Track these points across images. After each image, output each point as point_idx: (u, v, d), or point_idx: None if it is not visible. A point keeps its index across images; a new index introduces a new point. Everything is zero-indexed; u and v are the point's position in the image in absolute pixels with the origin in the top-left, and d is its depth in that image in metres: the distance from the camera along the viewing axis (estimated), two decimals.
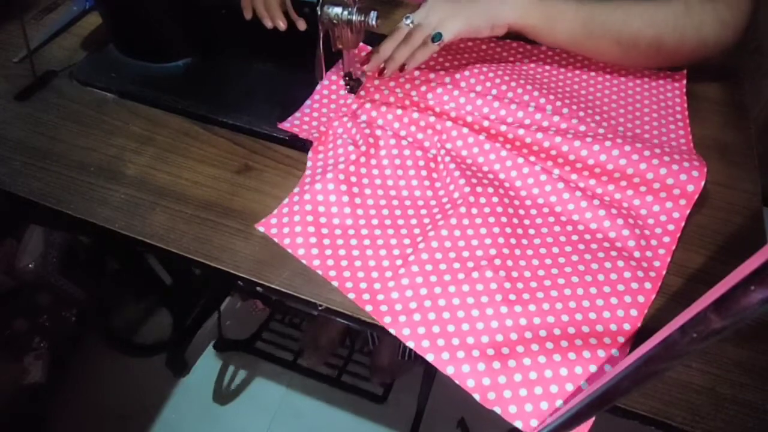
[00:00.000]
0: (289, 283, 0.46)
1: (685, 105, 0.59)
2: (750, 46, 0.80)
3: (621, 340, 0.41)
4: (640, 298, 0.44)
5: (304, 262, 0.47)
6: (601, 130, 0.53)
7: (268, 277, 0.47)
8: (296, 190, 0.52)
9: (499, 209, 0.49)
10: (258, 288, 0.47)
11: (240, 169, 0.55)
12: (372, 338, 1.14)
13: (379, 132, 0.55)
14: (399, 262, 0.47)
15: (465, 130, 0.55)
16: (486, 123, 0.55)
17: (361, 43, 0.61)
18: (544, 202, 0.51)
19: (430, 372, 0.95)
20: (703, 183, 0.48)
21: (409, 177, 0.53)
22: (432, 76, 0.60)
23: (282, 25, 0.56)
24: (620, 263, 0.46)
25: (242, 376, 1.24)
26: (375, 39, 0.58)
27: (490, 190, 0.51)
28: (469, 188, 0.50)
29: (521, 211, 0.50)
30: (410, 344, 0.42)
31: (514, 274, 0.46)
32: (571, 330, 0.42)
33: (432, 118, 0.56)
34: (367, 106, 0.57)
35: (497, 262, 0.46)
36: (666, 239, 0.48)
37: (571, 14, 0.55)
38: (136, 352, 1.24)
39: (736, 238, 0.49)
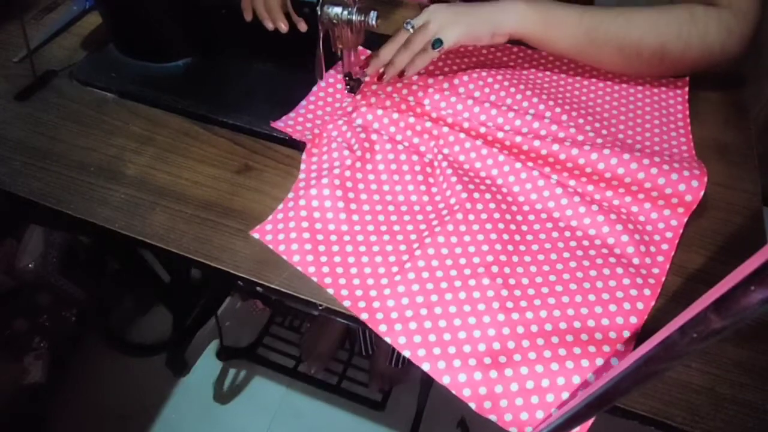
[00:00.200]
0: (288, 283, 0.46)
1: (687, 113, 0.58)
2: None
3: (620, 347, 0.41)
4: (639, 305, 0.43)
5: (299, 268, 0.46)
6: (599, 140, 0.52)
7: (268, 277, 0.47)
8: (291, 195, 0.52)
9: (496, 215, 0.49)
10: (258, 288, 0.47)
11: (240, 169, 0.55)
12: (370, 342, 1.14)
13: (374, 136, 0.55)
14: (395, 268, 0.46)
15: (462, 135, 0.54)
16: (483, 129, 0.54)
17: (360, 47, 0.61)
18: (542, 207, 0.51)
19: None
20: (702, 193, 0.47)
21: (405, 182, 0.53)
22: (430, 81, 0.60)
23: (284, 27, 0.56)
24: (619, 270, 0.45)
25: (242, 376, 1.24)
26: (375, 39, 0.58)
27: (488, 195, 0.50)
28: (466, 194, 0.50)
29: (519, 217, 0.50)
30: (406, 353, 0.42)
31: (512, 281, 0.45)
32: (569, 338, 0.41)
33: (428, 123, 0.55)
34: (363, 109, 0.57)
35: (494, 269, 0.45)
36: (664, 246, 0.47)
37: (573, 22, 0.55)
38: (136, 352, 1.24)
39: (736, 238, 0.49)
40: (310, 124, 0.58)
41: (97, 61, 0.66)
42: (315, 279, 0.46)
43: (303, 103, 0.60)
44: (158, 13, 0.61)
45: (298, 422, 1.17)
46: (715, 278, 0.22)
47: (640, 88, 0.61)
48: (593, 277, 0.45)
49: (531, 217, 0.50)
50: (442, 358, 0.41)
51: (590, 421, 0.38)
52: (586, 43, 0.56)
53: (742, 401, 0.39)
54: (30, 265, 0.98)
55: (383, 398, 1.12)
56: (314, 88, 0.61)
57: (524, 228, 0.49)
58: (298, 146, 0.57)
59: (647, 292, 0.44)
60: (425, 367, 0.41)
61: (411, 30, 0.55)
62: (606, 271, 0.45)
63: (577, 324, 0.42)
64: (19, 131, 0.59)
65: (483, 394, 0.40)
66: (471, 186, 0.51)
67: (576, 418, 0.33)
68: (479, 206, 0.49)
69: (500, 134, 0.53)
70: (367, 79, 0.60)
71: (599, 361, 0.40)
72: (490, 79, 0.60)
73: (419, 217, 0.50)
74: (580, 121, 0.56)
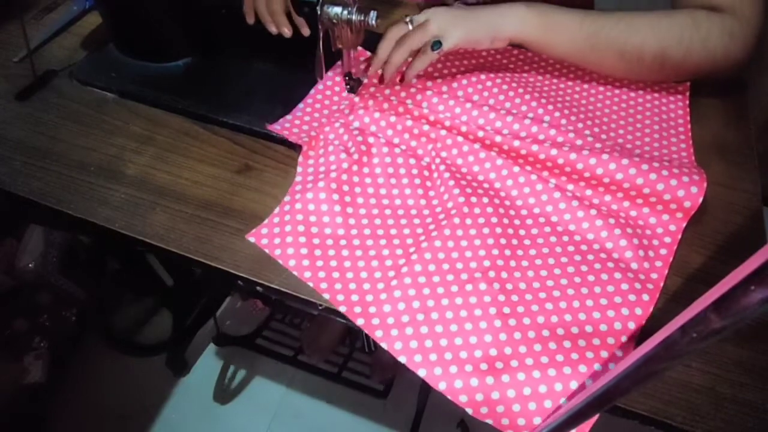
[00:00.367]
0: (288, 282, 0.46)
1: (688, 118, 0.58)
2: None
3: (618, 353, 0.41)
4: (638, 311, 0.43)
5: (295, 273, 0.46)
6: (598, 144, 0.52)
7: (268, 277, 0.47)
8: (287, 198, 0.51)
9: (494, 219, 0.49)
10: (258, 288, 0.47)
11: (240, 169, 0.55)
12: (369, 340, 1.14)
13: (371, 139, 0.54)
14: (391, 273, 0.46)
15: (460, 138, 0.54)
16: (481, 133, 0.54)
17: (360, 48, 0.61)
18: (540, 211, 0.50)
19: None
20: (701, 199, 0.47)
21: (402, 186, 0.52)
22: (429, 84, 0.59)
23: (287, 32, 0.57)
24: (617, 275, 0.45)
25: (242, 375, 1.24)
26: (375, 39, 0.58)
27: (485, 200, 0.50)
28: (464, 198, 0.49)
29: (516, 221, 0.50)
30: (402, 359, 0.42)
31: (509, 286, 0.45)
32: (567, 344, 0.41)
33: (426, 127, 0.55)
34: (361, 112, 0.56)
35: (491, 274, 0.45)
36: (663, 251, 0.47)
37: (574, 27, 0.54)
38: (136, 352, 1.24)
39: (736, 238, 0.49)
40: (306, 126, 0.57)
41: (97, 61, 0.66)
42: (311, 284, 0.45)
43: (300, 105, 0.60)
44: (158, 13, 0.61)
45: (298, 422, 1.17)
46: (715, 278, 0.22)
47: (640, 92, 0.61)
48: (591, 282, 0.45)
49: (529, 222, 0.50)
50: (438, 364, 0.41)
51: (593, 419, 0.38)
52: (586, 48, 0.55)
53: (742, 401, 0.39)
54: (30, 265, 0.98)
55: (385, 388, 1.12)
56: (312, 91, 0.61)
57: (522, 232, 0.49)
58: (299, 146, 0.56)
59: (645, 297, 0.44)
60: (421, 373, 0.41)
61: (410, 25, 0.55)
62: (604, 276, 0.45)
63: (574, 329, 0.42)
64: (19, 131, 0.59)
65: (480, 401, 0.40)
66: (468, 190, 0.50)
67: (576, 417, 0.33)
68: (476, 210, 0.49)
69: (498, 138, 0.53)
70: (366, 79, 0.60)
71: (597, 367, 0.40)
72: (489, 83, 0.60)
73: (416, 221, 0.50)
74: (579, 125, 0.55)
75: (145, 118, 0.60)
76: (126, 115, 0.61)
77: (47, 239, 1.01)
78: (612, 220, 0.48)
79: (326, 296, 0.45)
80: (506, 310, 0.43)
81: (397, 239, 0.49)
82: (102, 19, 0.67)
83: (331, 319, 0.45)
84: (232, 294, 1.34)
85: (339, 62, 0.62)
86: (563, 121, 0.55)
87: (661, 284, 0.45)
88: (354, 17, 0.52)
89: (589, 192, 0.51)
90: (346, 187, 0.51)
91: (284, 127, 0.57)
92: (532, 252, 0.48)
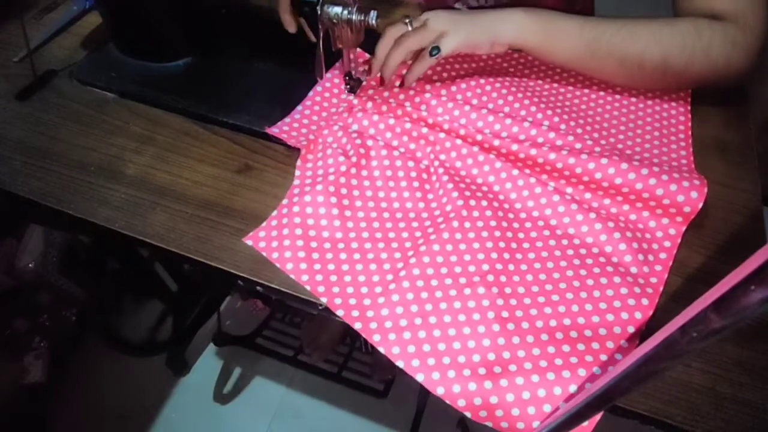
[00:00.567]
0: (289, 282, 0.46)
1: (689, 124, 0.58)
2: None
3: (618, 357, 0.41)
4: (637, 315, 0.43)
5: (292, 276, 0.46)
6: (597, 149, 0.52)
7: (268, 277, 0.47)
8: (285, 201, 0.51)
9: (493, 223, 0.48)
10: (258, 287, 0.47)
11: (240, 169, 0.55)
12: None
13: (370, 142, 0.54)
14: (389, 277, 0.46)
15: (458, 141, 0.53)
16: (479, 137, 0.53)
17: (359, 50, 0.61)
18: (539, 215, 0.50)
19: None
20: (701, 204, 0.47)
21: (400, 189, 0.52)
22: (428, 87, 0.59)
23: (292, 29, 0.58)
24: (616, 279, 0.45)
25: (243, 375, 1.24)
26: (375, 38, 0.58)
27: (484, 203, 0.50)
28: (462, 201, 0.49)
29: (515, 225, 0.49)
30: (400, 363, 0.41)
31: (507, 290, 0.45)
32: (566, 348, 0.41)
33: (425, 129, 0.54)
34: (359, 114, 0.56)
35: (490, 278, 0.45)
36: (662, 255, 0.47)
37: (574, 34, 0.54)
38: (136, 352, 1.24)
39: (736, 238, 0.49)
40: (305, 129, 0.57)
41: (97, 60, 0.66)
42: (308, 287, 0.45)
43: (299, 108, 0.59)
44: (158, 13, 0.61)
45: (298, 422, 1.17)
46: (715, 278, 0.22)
47: (641, 97, 0.60)
48: (590, 286, 0.45)
49: (528, 225, 0.50)
50: (436, 368, 0.41)
51: (597, 418, 0.38)
52: (586, 55, 0.55)
53: (742, 400, 0.39)
54: (30, 265, 0.98)
55: (386, 387, 1.12)
56: (311, 93, 0.61)
57: (521, 236, 0.49)
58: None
59: (645, 301, 0.44)
60: (419, 378, 0.41)
61: (409, 26, 0.54)
62: (603, 280, 0.45)
63: (573, 333, 0.42)
64: (19, 131, 0.59)
65: (478, 405, 0.40)
66: (467, 193, 0.50)
67: (576, 417, 0.33)
68: (475, 213, 0.49)
69: (497, 142, 0.53)
70: (366, 79, 0.60)
71: (596, 370, 0.40)
72: (488, 87, 0.59)
73: (414, 224, 0.50)
74: (579, 130, 0.55)
75: (145, 118, 0.60)
76: (126, 115, 0.61)
77: (47, 239, 1.01)
78: (611, 224, 0.48)
79: (323, 300, 0.45)
80: (504, 314, 0.43)
81: (395, 243, 0.48)
82: (102, 19, 0.67)
83: (331, 319, 0.45)
84: (232, 294, 1.34)
85: (339, 62, 0.62)
86: (562, 126, 0.55)
87: (661, 288, 0.45)
88: (354, 17, 0.52)
89: (588, 195, 0.51)
90: (344, 190, 0.51)
91: (282, 130, 0.56)
92: (531, 256, 0.47)
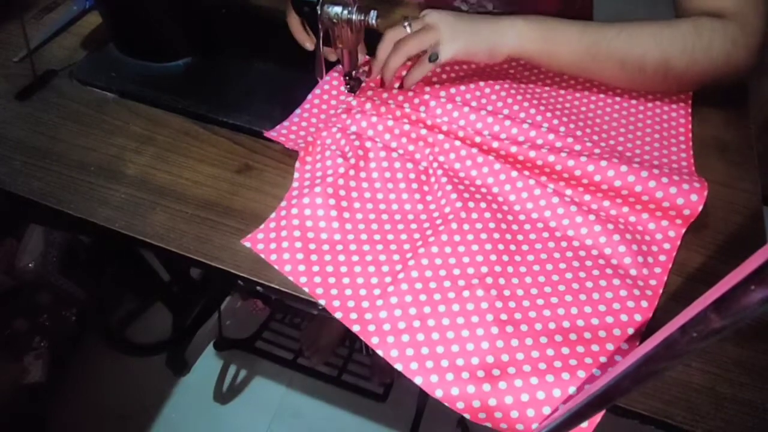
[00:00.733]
0: (288, 282, 0.46)
1: (690, 126, 0.57)
2: None
3: (618, 359, 0.41)
4: (637, 317, 0.43)
5: (290, 278, 0.46)
6: (597, 151, 0.51)
7: (268, 277, 0.47)
8: (283, 204, 0.51)
9: (492, 225, 0.48)
10: (258, 287, 0.47)
11: (240, 169, 0.55)
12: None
13: (369, 144, 0.54)
14: (388, 279, 0.46)
15: (457, 143, 0.53)
16: (478, 139, 0.53)
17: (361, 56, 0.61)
18: (539, 216, 0.50)
19: None
20: (701, 207, 0.47)
21: (399, 190, 0.52)
22: (427, 89, 0.59)
23: (310, 46, 0.59)
24: (616, 281, 0.45)
25: (243, 375, 1.24)
26: (375, 38, 0.58)
27: (483, 204, 0.50)
28: (461, 203, 0.49)
29: (514, 227, 0.49)
30: (398, 366, 0.41)
31: (506, 292, 0.44)
32: (565, 350, 0.41)
33: (424, 131, 0.54)
34: (358, 116, 0.56)
35: (489, 280, 0.45)
36: (662, 258, 0.47)
37: (574, 40, 0.53)
38: (136, 352, 1.24)
39: (736, 237, 0.49)
40: (303, 132, 0.57)
41: (97, 60, 0.66)
42: (306, 290, 0.45)
43: (297, 111, 0.59)
44: (158, 13, 0.61)
45: (298, 422, 1.17)
46: (715, 278, 0.22)
47: (641, 99, 0.60)
48: (589, 288, 0.45)
49: (527, 227, 0.50)
50: (434, 371, 0.41)
51: (598, 418, 0.38)
52: (587, 61, 0.54)
53: (742, 400, 0.39)
54: (30, 265, 0.98)
55: (385, 391, 1.12)
56: (309, 96, 0.61)
57: (520, 237, 0.49)
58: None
59: (644, 303, 0.43)
60: (417, 380, 0.41)
61: (408, 29, 0.54)
62: (603, 282, 0.45)
63: (572, 336, 0.42)
64: (19, 131, 0.59)
65: (477, 407, 0.39)
66: (466, 195, 0.50)
67: (576, 417, 0.33)
68: (474, 215, 0.49)
69: (496, 144, 0.52)
70: (366, 80, 0.60)
71: (596, 372, 0.40)
72: (487, 89, 0.59)
73: (413, 226, 0.50)
74: (578, 133, 0.55)
75: (145, 118, 0.60)
76: (126, 115, 0.61)
77: (47, 239, 1.01)
78: (611, 226, 0.48)
79: (322, 302, 0.45)
80: (503, 316, 0.43)
81: (394, 245, 0.48)
82: (102, 18, 0.67)
83: (331, 320, 0.45)
84: (232, 294, 1.34)
85: (339, 62, 0.62)
86: (562, 128, 0.55)
87: (660, 291, 0.45)
88: (354, 17, 0.52)
89: (587, 197, 0.51)
90: (342, 192, 0.51)
91: (281, 133, 0.56)
92: (530, 258, 0.47)
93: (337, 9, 0.52)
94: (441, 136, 0.54)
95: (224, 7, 0.68)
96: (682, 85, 0.58)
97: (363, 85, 0.60)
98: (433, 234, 0.48)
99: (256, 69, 0.64)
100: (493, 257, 0.46)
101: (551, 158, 0.50)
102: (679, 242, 0.48)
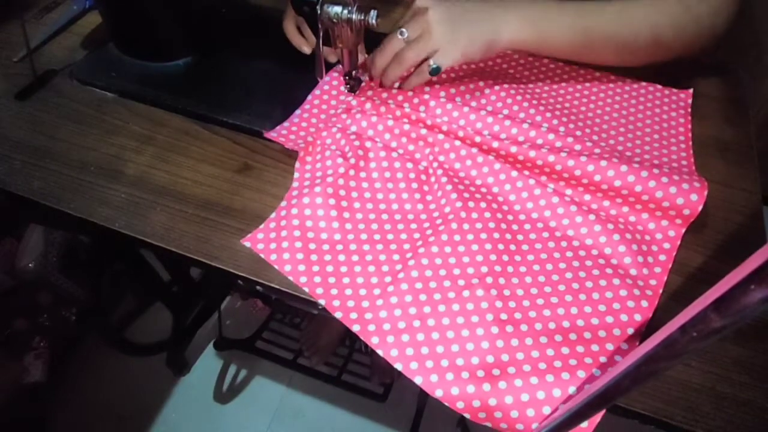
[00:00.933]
0: (289, 282, 0.46)
1: (689, 126, 0.58)
2: (747, 40, 0.80)
3: (618, 359, 0.41)
4: (637, 317, 0.43)
5: (290, 278, 0.46)
6: (597, 150, 0.51)
7: (268, 276, 0.47)
8: (283, 204, 0.51)
9: (492, 225, 0.48)
10: (258, 287, 0.47)
11: (240, 169, 0.55)
12: None
13: (369, 144, 0.54)
14: (388, 279, 0.46)
15: (457, 143, 0.53)
16: (478, 138, 0.53)
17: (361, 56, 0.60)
18: (538, 216, 0.50)
19: None
20: (701, 207, 0.47)
21: (399, 190, 0.52)
22: (427, 89, 0.59)
23: (307, 49, 0.59)
24: (616, 281, 0.45)
25: (243, 375, 1.24)
26: (375, 38, 0.58)
27: (483, 204, 0.50)
28: (461, 203, 0.49)
29: (514, 227, 0.49)
30: (398, 366, 0.41)
31: (506, 292, 0.44)
32: (565, 350, 0.41)
33: (424, 131, 0.54)
34: (358, 116, 0.56)
35: (489, 280, 0.45)
36: (662, 258, 0.47)
37: (567, 29, 0.54)
38: (136, 352, 1.24)
39: (736, 237, 0.49)
40: (303, 132, 0.57)
41: (97, 60, 0.66)
42: (306, 290, 0.45)
43: (297, 111, 0.59)
44: (158, 13, 0.61)
45: (298, 421, 1.17)
46: (715, 277, 0.22)
47: (641, 99, 0.60)
48: (589, 288, 0.45)
49: (527, 227, 0.50)
50: (434, 371, 0.41)
51: (597, 418, 0.38)
52: (580, 47, 0.56)
53: (742, 400, 0.39)
54: (30, 265, 0.98)
55: (385, 391, 1.12)
56: (309, 96, 0.61)
57: (520, 237, 0.49)
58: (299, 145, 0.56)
59: (644, 303, 0.43)
60: (417, 380, 0.41)
61: (404, 38, 0.53)
62: (602, 283, 0.45)
63: (572, 336, 0.42)
64: (19, 130, 0.59)
65: (477, 407, 0.39)
66: (466, 195, 0.50)
67: (576, 417, 0.33)
68: (474, 215, 0.49)
69: (496, 143, 0.52)
70: (365, 80, 0.60)
71: (596, 372, 0.40)
72: (487, 90, 0.59)
73: (413, 226, 0.50)
74: (578, 132, 0.55)
75: (145, 118, 0.60)
76: (126, 115, 0.61)
77: (47, 239, 1.01)
78: (611, 226, 0.48)
79: (321, 302, 0.45)
80: (503, 316, 0.43)
81: (394, 244, 0.48)
82: (102, 18, 0.67)
83: (331, 319, 0.45)
84: (232, 294, 1.34)
85: (339, 62, 0.62)
86: (561, 128, 0.55)
87: (660, 291, 0.45)
88: (354, 16, 0.52)
89: (587, 197, 0.51)
90: (342, 192, 0.51)
91: (281, 134, 0.56)
92: (530, 258, 0.47)
93: (337, 9, 0.52)
94: (441, 136, 0.54)
95: (224, 7, 0.68)
96: (669, 58, 0.59)
97: (363, 85, 0.60)
98: (433, 234, 0.48)
99: (257, 69, 0.64)
100: (493, 257, 0.46)
101: (551, 158, 0.50)
102: (679, 242, 0.48)
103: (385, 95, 0.58)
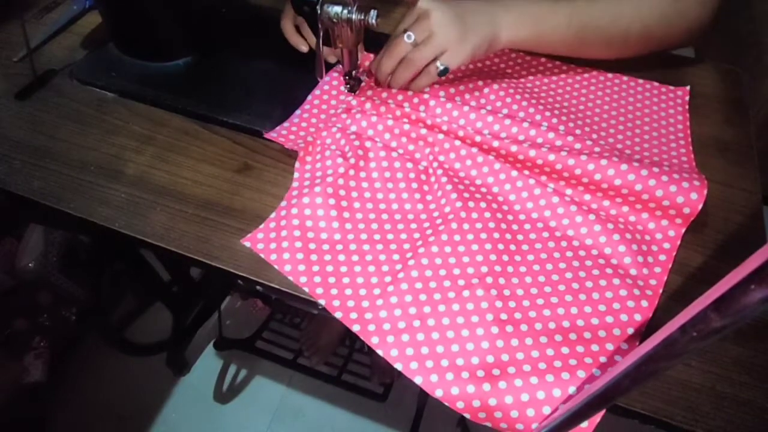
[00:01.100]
0: (288, 282, 0.46)
1: (688, 123, 0.58)
2: (748, 40, 0.80)
3: (618, 359, 0.41)
4: (637, 317, 0.43)
5: (290, 278, 0.46)
6: (597, 149, 0.52)
7: (268, 276, 0.47)
8: (283, 204, 0.51)
9: (492, 224, 0.48)
10: (258, 287, 0.47)
11: (240, 168, 0.55)
12: None
13: (369, 143, 0.54)
14: (388, 279, 0.46)
15: (457, 142, 0.53)
16: (478, 138, 0.53)
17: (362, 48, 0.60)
18: (538, 216, 0.50)
19: None
20: (701, 206, 0.47)
21: (399, 190, 0.52)
22: (426, 89, 0.59)
23: (304, 48, 0.60)
24: (616, 281, 0.45)
25: (243, 374, 1.24)
26: (375, 38, 0.58)
27: (483, 204, 0.50)
28: (461, 203, 0.49)
29: (514, 226, 0.49)
30: (398, 366, 0.41)
31: (506, 292, 0.44)
32: (565, 350, 0.41)
33: (424, 131, 0.54)
34: (358, 116, 0.56)
35: (489, 279, 0.45)
36: (662, 257, 0.47)
37: (563, 27, 0.55)
38: (136, 352, 1.24)
39: (736, 237, 0.49)
40: (303, 132, 0.57)
41: (97, 60, 0.66)
42: (306, 290, 0.45)
43: (297, 112, 0.59)
44: (158, 13, 0.61)
45: (298, 421, 1.17)
46: (715, 277, 0.22)
47: (639, 97, 0.61)
48: (589, 288, 0.45)
49: (527, 227, 0.50)
50: (434, 371, 0.41)
51: (597, 418, 0.38)
52: (575, 44, 0.58)
53: (742, 400, 0.39)
54: (30, 264, 0.98)
55: (385, 390, 1.12)
56: (309, 96, 0.61)
57: (520, 237, 0.49)
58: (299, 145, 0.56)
59: (644, 303, 0.43)
60: (417, 380, 0.41)
61: (411, 41, 0.52)
62: (602, 283, 0.45)
63: (572, 336, 0.42)
64: (19, 130, 0.59)
65: (477, 407, 0.39)
66: (466, 194, 0.50)
67: (576, 417, 0.33)
68: (474, 215, 0.49)
69: (496, 143, 0.52)
70: (365, 79, 0.60)
71: (596, 372, 0.40)
72: (486, 89, 0.59)
73: (413, 226, 0.50)
74: (577, 131, 0.55)
75: (145, 118, 0.60)
76: (126, 115, 0.61)
77: (47, 239, 1.01)
78: (611, 226, 0.48)
79: (321, 302, 0.45)
80: (503, 316, 0.43)
81: (394, 244, 0.48)
82: (102, 18, 0.67)
83: (331, 319, 0.45)
84: (232, 294, 1.34)
85: (339, 62, 0.62)
86: (561, 127, 0.55)
87: (660, 291, 0.45)
88: (354, 16, 0.52)
89: (587, 197, 0.51)
90: (342, 192, 0.51)
91: (281, 134, 0.56)
92: (530, 258, 0.47)
93: (337, 8, 0.52)
94: (441, 136, 0.54)
95: (224, 7, 0.68)
96: (659, 49, 0.60)
97: (363, 85, 0.60)
98: (433, 234, 0.48)
99: (256, 69, 0.64)
100: (493, 257, 0.46)
101: (551, 157, 0.50)
102: (679, 242, 0.48)
103: (385, 95, 0.58)
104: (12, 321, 1.05)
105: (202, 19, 0.66)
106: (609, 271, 0.46)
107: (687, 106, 0.60)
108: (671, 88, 0.61)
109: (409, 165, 0.53)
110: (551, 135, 0.53)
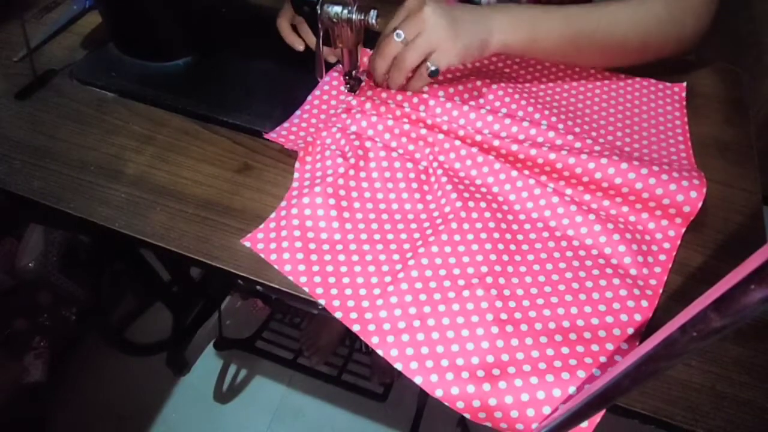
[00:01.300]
0: (289, 281, 0.46)
1: (686, 119, 0.58)
2: (747, 40, 0.80)
3: (618, 359, 0.41)
4: (637, 317, 0.43)
5: (290, 278, 0.46)
6: (597, 147, 0.52)
7: (268, 276, 0.47)
8: (283, 204, 0.51)
9: (492, 224, 0.48)
10: (258, 287, 0.47)
11: (240, 168, 0.55)
12: None
13: (369, 143, 0.54)
14: (388, 279, 0.46)
15: (457, 142, 0.53)
16: (478, 137, 0.53)
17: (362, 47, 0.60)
18: (538, 216, 0.50)
19: None
20: (700, 204, 0.47)
21: (399, 190, 0.52)
22: (426, 88, 0.59)
23: (300, 47, 0.60)
24: (616, 281, 0.45)
25: (243, 374, 1.24)
26: (375, 38, 0.58)
27: (483, 204, 0.50)
28: (461, 203, 0.49)
29: (514, 226, 0.49)
30: (398, 366, 0.41)
31: (506, 292, 0.44)
32: (565, 350, 0.41)
33: (423, 131, 0.54)
34: (358, 116, 0.56)
35: (489, 279, 0.45)
36: (662, 257, 0.47)
37: (557, 34, 0.55)
38: (136, 352, 1.24)
39: (736, 237, 0.49)
40: (303, 132, 0.57)
41: (97, 60, 0.66)
42: (306, 289, 0.45)
43: (297, 112, 0.59)
44: (158, 13, 0.61)
45: (298, 421, 1.17)
46: (715, 277, 0.22)
47: (637, 95, 0.61)
48: (589, 288, 0.45)
49: (527, 226, 0.50)
50: (434, 371, 0.41)
51: (597, 418, 0.38)
52: (571, 51, 0.57)
53: (742, 400, 0.39)
54: (30, 264, 0.98)
55: (385, 390, 1.12)
56: (309, 97, 0.61)
57: (520, 237, 0.49)
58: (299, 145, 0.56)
59: (644, 303, 0.43)
60: (418, 380, 0.41)
61: (400, 40, 0.52)
62: (602, 282, 0.45)
63: (572, 336, 0.42)
64: (19, 130, 0.59)
65: (477, 407, 0.39)
66: (466, 194, 0.50)
67: (576, 416, 0.33)
68: (474, 215, 0.49)
69: (496, 142, 0.52)
70: (365, 79, 0.60)
71: (596, 372, 0.40)
72: (485, 89, 0.59)
73: (413, 226, 0.50)
74: (577, 130, 0.55)
75: (145, 118, 0.60)
76: (126, 115, 0.61)
77: (47, 239, 1.01)
78: (611, 226, 0.48)
79: (321, 302, 0.45)
80: (503, 316, 0.43)
81: (393, 244, 0.48)
82: (102, 18, 0.67)
83: (331, 319, 0.45)
84: (232, 294, 1.34)
85: (339, 61, 0.62)
86: (560, 126, 0.55)
87: (660, 290, 0.45)
88: (354, 16, 0.52)
89: (587, 197, 0.51)
90: (342, 192, 0.51)
91: (281, 134, 0.56)
92: (530, 258, 0.47)
93: (337, 8, 0.52)
94: (441, 136, 0.54)
95: (224, 7, 0.68)
96: (654, 59, 0.60)
97: (363, 84, 0.60)
98: (433, 234, 0.48)
99: (256, 69, 0.64)
100: (493, 257, 0.46)
101: (552, 156, 0.50)
102: (679, 242, 0.48)
103: (384, 95, 0.58)
104: (12, 321, 1.05)
105: (202, 19, 0.66)
106: (609, 271, 0.46)
107: (684, 103, 0.60)
108: (668, 84, 0.62)
109: (409, 165, 0.53)
110: (551, 134, 0.53)
